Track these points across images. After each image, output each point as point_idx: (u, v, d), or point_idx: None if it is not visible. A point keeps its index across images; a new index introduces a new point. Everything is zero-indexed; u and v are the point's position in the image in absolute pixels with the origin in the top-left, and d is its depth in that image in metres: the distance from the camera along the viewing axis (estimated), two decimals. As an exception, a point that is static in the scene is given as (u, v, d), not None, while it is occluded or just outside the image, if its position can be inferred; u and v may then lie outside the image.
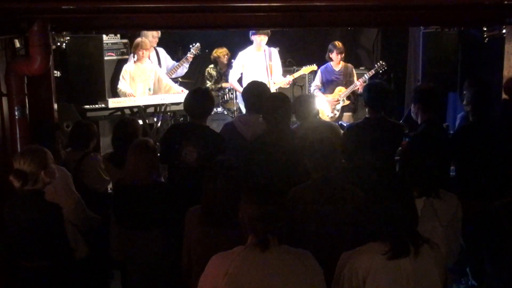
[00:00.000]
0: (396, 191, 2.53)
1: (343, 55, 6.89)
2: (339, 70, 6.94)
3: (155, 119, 6.76)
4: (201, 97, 4.29)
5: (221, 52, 7.72)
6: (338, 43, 6.91)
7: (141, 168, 3.66)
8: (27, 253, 3.38)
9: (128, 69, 6.73)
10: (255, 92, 4.52)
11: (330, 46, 6.96)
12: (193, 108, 4.27)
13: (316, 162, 3.36)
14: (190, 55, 7.18)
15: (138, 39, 6.76)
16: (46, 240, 3.35)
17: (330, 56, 6.93)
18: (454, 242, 3.27)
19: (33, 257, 3.37)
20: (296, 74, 7.11)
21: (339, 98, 6.90)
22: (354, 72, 6.91)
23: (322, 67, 7.04)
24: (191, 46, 7.26)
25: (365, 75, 6.82)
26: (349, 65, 7.00)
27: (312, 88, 7.23)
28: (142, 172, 3.67)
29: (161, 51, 7.40)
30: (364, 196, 3.30)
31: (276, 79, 6.93)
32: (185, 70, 7.47)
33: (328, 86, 6.99)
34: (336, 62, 6.92)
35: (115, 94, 6.73)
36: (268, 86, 6.71)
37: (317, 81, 7.07)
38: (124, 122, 4.56)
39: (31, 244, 3.35)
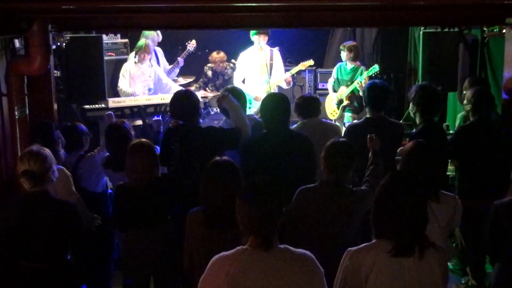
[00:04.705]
0: (406, 190, 2.50)
1: (351, 54, 6.77)
2: (349, 69, 6.90)
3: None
4: (182, 99, 4.23)
5: (211, 56, 7.74)
6: (349, 43, 6.87)
7: (141, 168, 3.67)
8: (36, 254, 3.34)
9: (128, 68, 6.74)
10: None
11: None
12: (178, 111, 4.22)
13: (334, 164, 3.35)
14: (183, 56, 7.29)
15: (143, 41, 6.74)
16: (64, 238, 3.37)
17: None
18: (451, 242, 3.26)
19: (41, 258, 3.34)
20: (293, 70, 7.08)
21: (339, 98, 6.91)
22: (365, 74, 6.63)
23: (338, 64, 7.05)
24: (187, 43, 7.29)
25: (359, 78, 6.72)
26: (362, 67, 6.88)
27: (328, 85, 7.23)
28: (142, 172, 3.67)
29: (159, 51, 7.41)
30: (369, 192, 3.31)
31: (276, 78, 6.91)
32: (181, 65, 7.53)
33: (339, 84, 6.98)
34: (346, 60, 6.88)
35: (115, 94, 6.72)
36: (268, 85, 6.80)
37: (332, 77, 7.10)
38: (113, 127, 4.42)
39: (45, 244, 3.32)
